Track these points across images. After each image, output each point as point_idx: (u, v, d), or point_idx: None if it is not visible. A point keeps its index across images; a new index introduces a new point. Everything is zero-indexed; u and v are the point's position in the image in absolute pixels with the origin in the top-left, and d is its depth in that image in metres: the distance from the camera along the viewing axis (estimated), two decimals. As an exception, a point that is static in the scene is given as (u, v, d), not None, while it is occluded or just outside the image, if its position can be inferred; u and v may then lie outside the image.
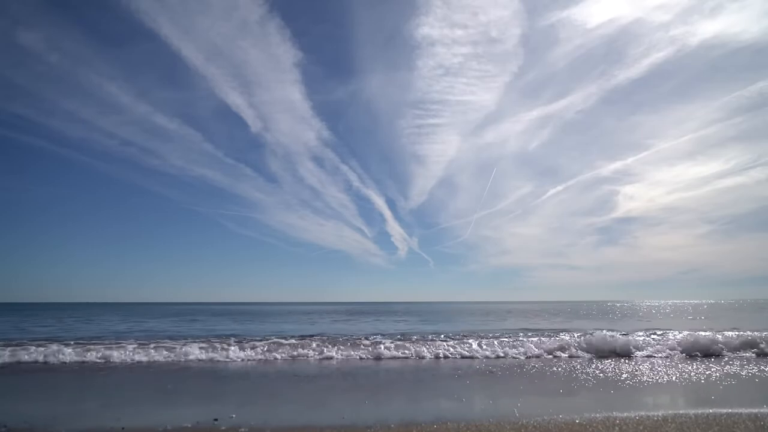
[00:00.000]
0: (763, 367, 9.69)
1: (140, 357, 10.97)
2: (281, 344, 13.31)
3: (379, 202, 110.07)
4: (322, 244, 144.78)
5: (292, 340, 14.68)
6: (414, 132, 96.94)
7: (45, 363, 10.69)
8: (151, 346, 12.71)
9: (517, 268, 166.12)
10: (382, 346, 12.44)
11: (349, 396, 7.29)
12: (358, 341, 14.23)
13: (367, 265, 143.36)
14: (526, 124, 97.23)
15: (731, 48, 78.67)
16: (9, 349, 11.58)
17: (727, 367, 9.80)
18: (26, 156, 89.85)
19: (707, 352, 11.79)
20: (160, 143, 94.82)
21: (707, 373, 9.03)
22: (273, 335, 16.97)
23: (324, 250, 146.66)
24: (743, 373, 8.96)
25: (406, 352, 11.98)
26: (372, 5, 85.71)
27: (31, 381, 8.91)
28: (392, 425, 5.26)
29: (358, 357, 11.57)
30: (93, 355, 11.12)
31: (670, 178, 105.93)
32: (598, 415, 5.58)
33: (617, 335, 13.25)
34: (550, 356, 11.62)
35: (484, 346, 12.35)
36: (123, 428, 5.32)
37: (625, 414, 5.62)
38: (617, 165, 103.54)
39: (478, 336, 15.81)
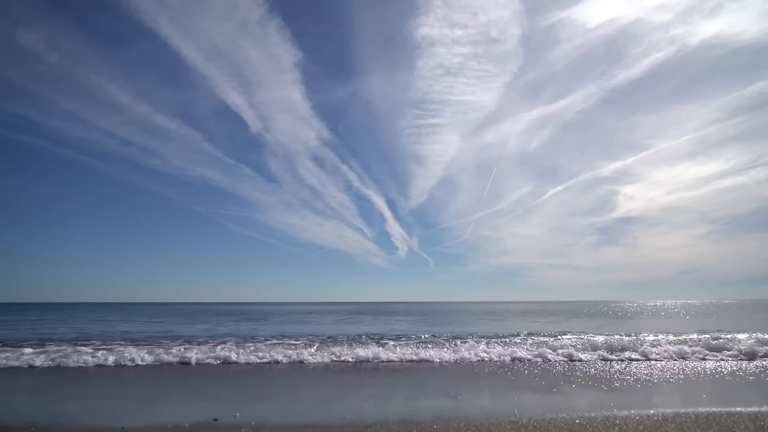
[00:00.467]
0: None
1: (140, 357, 10.96)
2: (281, 344, 13.32)
3: (379, 202, 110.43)
4: (322, 244, 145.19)
5: (292, 340, 14.71)
6: (414, 132, 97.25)
7: (47, 363, 10.68)
8: (151, 346, 12.72)
9: (517, 268, 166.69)
10: (382, 347, 12.43)
11: (349, 396, 7.30)
12: (358, 341, 14.25)
13: (367, 265, 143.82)
14: (526, 124, 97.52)
15: (731, 48, 78.95)
16: (9, 349, 11.54)
17: None
18: (26, 156, 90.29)
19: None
20: (160, 143, 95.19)
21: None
22: (273, 335, 16.99)
23: (324, 250, 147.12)
24: None
25: (407, 352, 11.97)
26: (372, 5, 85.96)
27: (32, 381, 8.91)
28: (392, 425, 5.27)
29: (358, 357, 11.56)
30: (93, 355, 11.10)
31: (670, 178, 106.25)
32: (598, 414, 5.58)
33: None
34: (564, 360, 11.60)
35: (485, 347, 12.33)
36: (123, 428, 5.32)
37: (625, 413, 5.63)
38: (617, 165, 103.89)
39: (478, 337, 15.82)
